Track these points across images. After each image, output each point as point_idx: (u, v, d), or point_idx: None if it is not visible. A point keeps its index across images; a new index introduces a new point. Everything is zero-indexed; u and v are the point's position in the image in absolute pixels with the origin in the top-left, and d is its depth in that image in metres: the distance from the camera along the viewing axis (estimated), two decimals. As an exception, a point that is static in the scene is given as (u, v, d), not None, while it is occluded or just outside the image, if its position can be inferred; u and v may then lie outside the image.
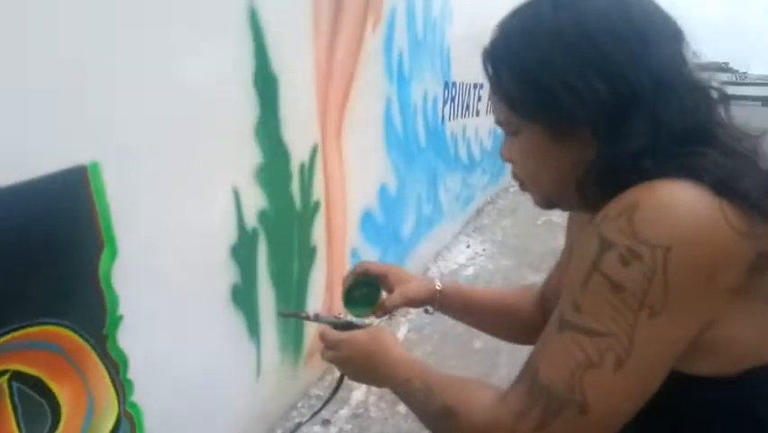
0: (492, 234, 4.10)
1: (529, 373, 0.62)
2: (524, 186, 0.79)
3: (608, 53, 0.62)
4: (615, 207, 0.59)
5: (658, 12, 0.66)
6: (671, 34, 0.65)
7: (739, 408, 0.61)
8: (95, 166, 1.02)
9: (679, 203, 0.56)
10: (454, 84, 3.46)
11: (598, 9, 0.63)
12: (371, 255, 2.39)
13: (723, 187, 0.57)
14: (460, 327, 2.57)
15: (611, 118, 0.62)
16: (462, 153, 3.96)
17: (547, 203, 0.77)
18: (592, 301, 0.58)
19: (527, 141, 0.71)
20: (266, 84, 1.50)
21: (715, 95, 0.65)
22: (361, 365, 0.83)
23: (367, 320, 0.99)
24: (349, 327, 0.94)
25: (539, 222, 3.70)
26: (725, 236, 0.55)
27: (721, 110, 0.65)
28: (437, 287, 1.02)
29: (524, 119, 0.70)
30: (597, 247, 0.58)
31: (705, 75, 0.66)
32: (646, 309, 0.55)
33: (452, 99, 3.51)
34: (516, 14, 0.69)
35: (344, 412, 1.87)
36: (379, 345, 0.82)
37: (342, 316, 1.06)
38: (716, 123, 0.64)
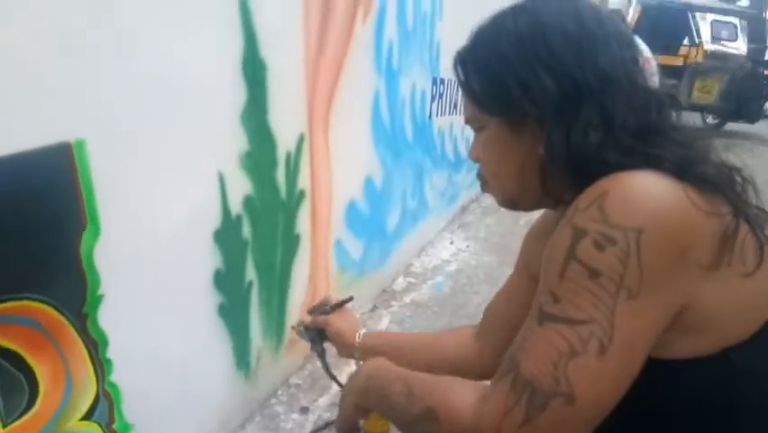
0: (476, 232, 4.14)
1: (510, 369, 0.62)
2: (487, 186, 0.85)
3: (556, 52, 0.69)
4: (584, 198, 0.62)
5: (610, 20, 0.73)
6: (621, 41, 0.71)
7: (719, 388, 0.63)
8: (80, 143, 1.01)
9: (645, 188, 0.60)
10: (443, 80, 3.47)
11: (552, 14, 0.71)
12: (355, 247, 2.40)
13: (684, 172, 0.61)
14: (439, 322, 2.60)
15: (559, 112, 0.68)
16: (449, 151, 3.97)
17: (510, 202, 0.83)
18: (570, 290, 0.60)
19: (490, 136, 0.78)
20: (254, 70, 1.50)
21: (666, 100, 0.71)
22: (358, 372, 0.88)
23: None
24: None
25: (521, 222, 3.72)
26: (691, 216, 0.59)
27: (672, 115, 0.71)
28: (361, 330, 1.15)
29: (486, 114, 0.77)
30: (570, 237, 0.61)
31: (656, 82, 0.72)
32: (624, 292, 0.57)
33: (441, 96, 3.52)
34: (483, 25, 0.77)
35: (324, 400, 1.88)
36: (378, 360, 0.87)
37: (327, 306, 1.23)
38: (668, 125, 0.70)
